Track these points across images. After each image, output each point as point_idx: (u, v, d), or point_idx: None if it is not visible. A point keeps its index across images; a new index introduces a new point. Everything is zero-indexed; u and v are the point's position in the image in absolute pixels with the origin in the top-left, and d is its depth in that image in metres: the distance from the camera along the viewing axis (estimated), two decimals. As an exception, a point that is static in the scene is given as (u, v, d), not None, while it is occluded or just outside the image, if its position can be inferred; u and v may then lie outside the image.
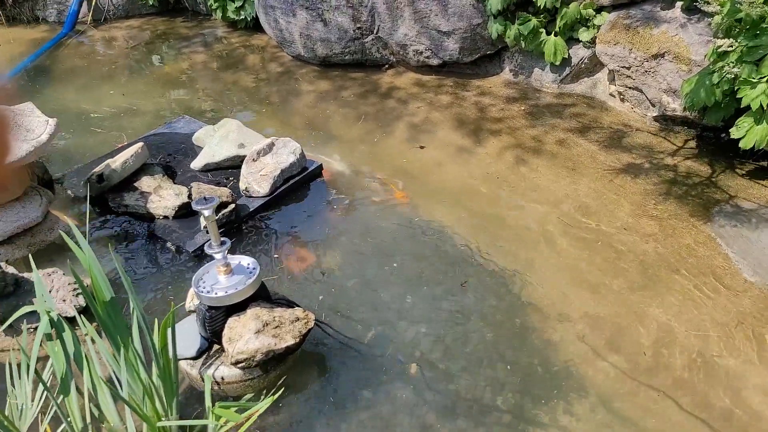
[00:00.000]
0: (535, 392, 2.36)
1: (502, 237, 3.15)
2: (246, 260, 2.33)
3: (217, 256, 2.18)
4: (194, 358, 2.27)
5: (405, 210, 3.39)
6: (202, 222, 3.07)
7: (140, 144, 3.47)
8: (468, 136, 4.08)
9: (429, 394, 2.40)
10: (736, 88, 3.16)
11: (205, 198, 2.07)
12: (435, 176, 3.70)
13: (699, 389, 2.32)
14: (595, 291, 2.78)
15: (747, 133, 3.18)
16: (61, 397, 1.89)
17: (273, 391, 2.14)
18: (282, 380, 2.31)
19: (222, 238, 2.20)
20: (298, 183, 3.52)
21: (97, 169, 3.27)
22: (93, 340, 2.17)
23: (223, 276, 2.22)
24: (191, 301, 2.40)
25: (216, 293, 2.18)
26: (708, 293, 2.71)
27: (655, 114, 3.98)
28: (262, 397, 2.22)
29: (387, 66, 5.18)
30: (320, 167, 3.65)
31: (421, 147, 4.01)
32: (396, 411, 2.33)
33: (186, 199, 3.21)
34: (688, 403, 2.28)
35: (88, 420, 2.01)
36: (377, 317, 2.71)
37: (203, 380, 2.17)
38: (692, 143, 3.80)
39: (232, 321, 2.22)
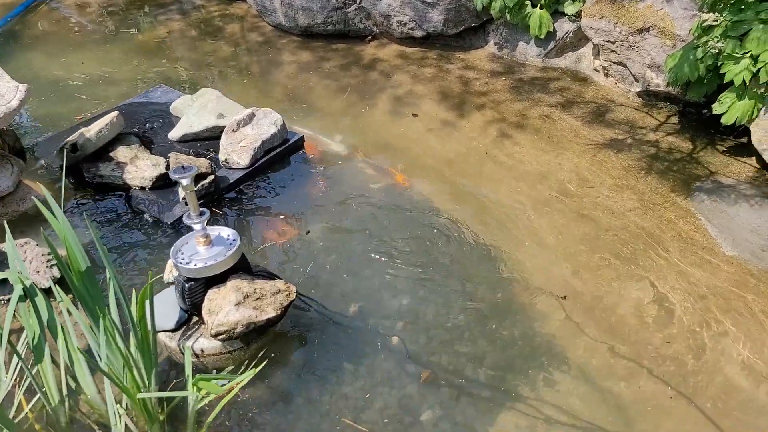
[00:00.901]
0: (516, 364, 2.38)
1: (485, 211, 3.14)
2: (226, 231, 2.28)
3: (196, 227, 2.13)
4: (173, 330, 2.23)
5: (387, 183, 3.36)
6: (181, 193, 3.00)
7: (115, 113, 3.36)
8: (452, 110, 4.03)
9: (411, 367, 2.40)
10: (719, 63, 3.16)
11: (183, 167, 2.01)
12: (419, 150, 3.66)
13: (677, 361, 2.36)
14: (576, 264, 2.80)
15: (729, 108, 3.20)
16: (36, 368, 1.85)
17: (254, 363, 2.12)
18: (263, 352, 2.29)
19: (201, 209, 2.14)
20: (279, 155, 3.45)
21: (71, 138, 3.16)
22: (69, 312, 2.12)
23: (203, 247, 2.18)
24: (170, 273, 2.35)
25: (195, 264, 2.14)
26: (687, 267, 2.74)
27: (638, 89, 3.98)
28: (243, 369, 2.21)
29: (370, 37, 5.08)
30: (302, 139, 3.59)
31: (414, 115, 3.97)
32: (377, 383, 2.33)
33: (164, 170, 3.13)
34: (666, 374, 2.31)
35: (65, 392, 1.97)
36: (359, 290, 2.69)
37: (182, 352, 2.14)
38: (674, 119, 3.81)
39: (212, 293, 2.18)
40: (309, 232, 2.93)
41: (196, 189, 2.98)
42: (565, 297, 2.62)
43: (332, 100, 4.24)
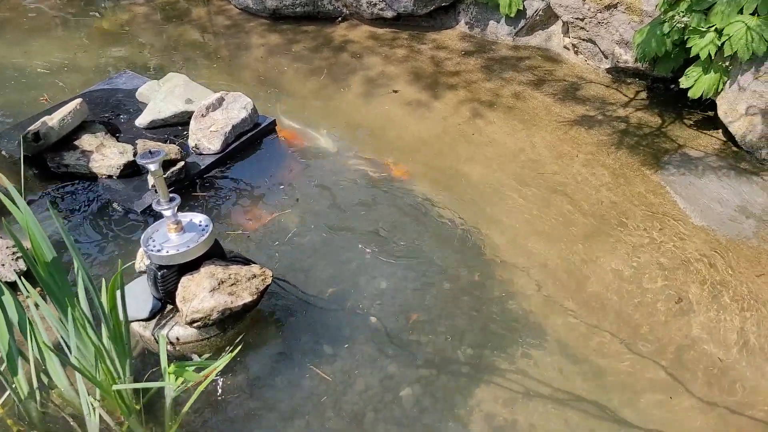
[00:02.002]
0: (495, 341, 2.40)
1: (459, 190, 3.15)
2: (198, 217, 2.24)
3: (167, 213, 2.09)
4: (147, 320, 2.19)
5: (362, 166, 3.34)
6: (151, 181, 2.94)
7: (78, 100, 3.26)
8: (424, 90, 4.01)
9: (390, 348, 2.40)
10: (685, 37, 3.20)
11: (150, 152, 1.96)
12: (392, 131, 3.64)
13: (650, 330, 2.41)
14: (551, 240, 2.82)
15: (695, 82, 3.25)
16: (3, 364, 1.80)
17: (231, 348, 2.10)
18: (240, 338, 2.27)
19: (171, 195, 2.10)
20: (251, 139, 3.39)
21: (33, 127, 3.06)
22: (37, 305, 2.07)
23: (174, 234, 2.13)
24: (141, 262, 2.30)
25: (167, 252, 2.10)
26: (659, 239, 2.79)
27: (607, 66, 4.01)
28: (222, 355, 2.18)
29: (340, 18, 5.01)
30: (273, 123, 3.53)
31: (395, 91, 3.96)
32: (358, 365, 2.33)
33: (131, 157, 3.05)
34: (641, 344, 2.36)
35: (36, 385, 1.92)
36: (337, 273, 2.68)
37: (157, 341, 2.11)
38: (643, 94, 3.86)
39: (185, 280, 2.15)
40: (298, 200, 2.91)
41: (165, 175, 2.92)
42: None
43: (304, 82, 4.18)
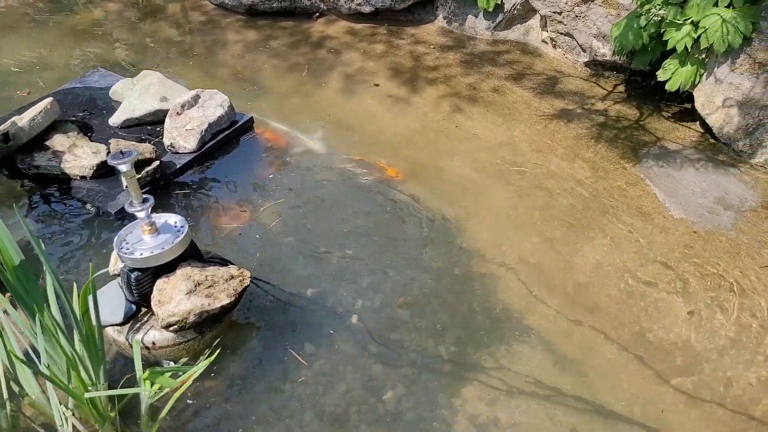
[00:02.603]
0: (477, 337, 2.39)
1: (439, 185, 3.13)
2: (173, 218, 2.19)
3: (140, 215, 2.03)
4: (121, 324, 2.14)
5: (341, 163, 3.30)
6: (124, 181, 2.86)
7: (49, 99, 3.17)
8: (404, 86, 3.98)
9: (372, 346, 2.38)
10: (662, 30, 3.21)
11: (121, 152, 1.90)
12: (371, 127, 3.60)
13: (632, 325, 2.41)
14: (532, 234, 2.82)
15: (673, 75, 3.26)
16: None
17: (209, 353, 2.05)
18: (218, 341, 2.22)
19: (144, 195, 2.04)
20: (227, 137, 3.34)
21: (2, 128, 2.97)
22: (6, 312, 2.00)
23: (148, 236, 2.08)
24: (115, 265, 2.24)
25: (141, 254, 2.04)
26: (639, 232, 2.80)
27: (586, 59, 4.02)
28: (199, 360, 2.14)
29: (317, 14, 4.95)
30: (251, 120, 3.48)
31: (376, 85, 3.93)
32: (339, 364, 2.30)
33: (105, 158, 2.98)
34: (623, 337, 2.36)
35: (6, 395, 1.86)
36: (317, 272, 2.65)
37: (132, 346, 2.05)
38: (621, 88, 3.87)
39: (161, 283, 2.09)
40: (278, 198, 2.89)
41: (140, 176, 2.86)
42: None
43: (282, 79, 4.12)
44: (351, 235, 2.82)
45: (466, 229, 2.87)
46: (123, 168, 1.91)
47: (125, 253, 2.04)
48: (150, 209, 2.04)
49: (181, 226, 2.15)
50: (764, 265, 2.61)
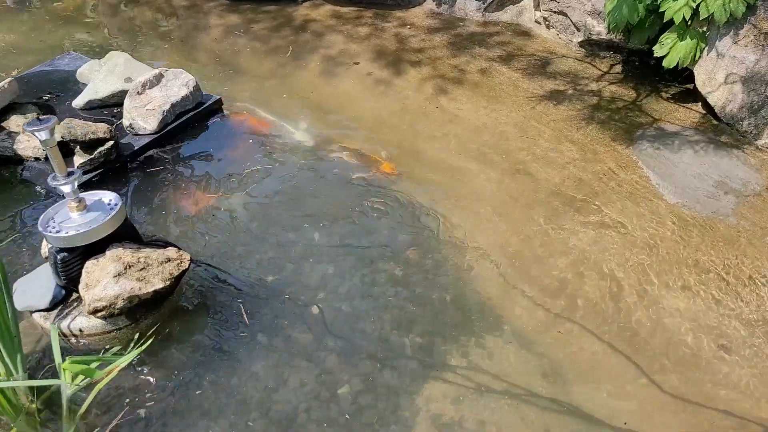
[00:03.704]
0: (447, 330, 2.18)
1: (418, 169, 2.91)
2: (108, 196, 2.00)
3: (65, 189, 1.85)
4: (48, 310, 1.96)
5: (316, 147, 3.10)
6: (77, 161, 2.69)
7: (8, 79, 3.02)
8: (386, 68, 3.78)
9: (330, 339, 2.17)
10: (658, 2, 2.97)
11: (39, 118, 1.72)
12: (350, 110, 3.40)
13: (617, 319, 2.18)
14: (513, 221, 2.59)
15: (670, 50, 3.02)
16: None
17: (141, 342, 1.86)
18: (156, 329, 2.03)
19: (69, 168, 1.86)
20: (193, 119, 3.15)
21: (-47, 108, 2.82)
22: None
23: (76, 213, 1.90)
24: (46, 247, 2.06)
25: (66, 232, 1.86)
26: (628, 218, 2.56)
27: (580, 39, 3.78)
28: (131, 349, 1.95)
29: (303, -2, 4.77)
30: (219, 102, 3.29)
31: (356, 63, 3.76)
32: (293, 357, 2.10)
33: (59, 139, 2.81)
34: (605, 333, 2.13)
35: None
36: (280, 259, 2.45)
37: (60, 334, 1.87)
38: (618, 68, 3.63)
39: (89, 265, 1.91)
40: (243, 182, 2.71)
41: (92, 156, 2.68)
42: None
43: (261, 62, 3.94)
44: (319, 222, 2.62)
45: (443, 214, 2.65)
46: (41, 136, 1.73)
47: (50, 232, 1.86)
48: (76, 183, 1.86)
49: (115, 204, 1.97)
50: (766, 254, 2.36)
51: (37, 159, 2.83)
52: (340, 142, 3.12)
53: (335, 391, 2.00)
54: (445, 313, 2.25)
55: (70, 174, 1.85)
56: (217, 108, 3.28)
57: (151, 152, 2.98)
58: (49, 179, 1.85)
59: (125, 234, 2.01)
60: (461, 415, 1.93)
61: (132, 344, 1.94)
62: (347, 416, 1.92)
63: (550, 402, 1.96)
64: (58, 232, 1.87)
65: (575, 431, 1.87)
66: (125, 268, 1.87)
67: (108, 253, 1.92)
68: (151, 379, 1.99)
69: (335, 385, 2.01)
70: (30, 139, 2.82)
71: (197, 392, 1.97)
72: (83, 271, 1.91)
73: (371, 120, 3.29)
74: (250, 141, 3.14)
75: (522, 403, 1.97)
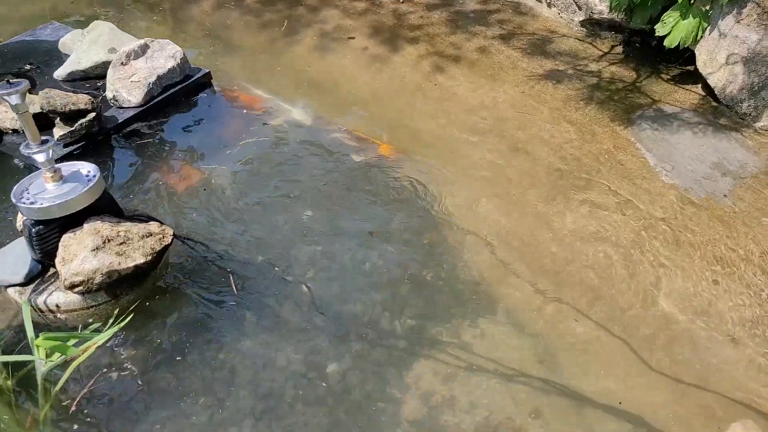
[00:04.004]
0: (439, 311, 2.12)
1: (414, 148, 2.84)
2: (86, 167, 1.92)
3: (39, 158, 1.76)
4: (23, 285, 1.88)
5: (310, 124, 3.01)
6: (56, 133, 2.60)
7: (-16, 48, 2.91)
8: (383, 44, 3.68)
9: (319, 319, 2.11)
10: (662, -22, 2.89)
11: (9, 82, 1.63)
12: (345, 87, 3.31)
13: (611, 300, 2.13)
14: (508, 201, 2.53)
15: (672, 29, 2.94)
16: None
17: (120, 318, 1.79)
18: (134, 306, 1.96)
19: (44, 137, 1.77)
20: (181, 92, 3.05)
21: (-71, 75, 2.71)
22: None
23: (52, 184, 1.81)
24: (21, 219, 1.98)
25: (41, 204, 1.78)
26: (624, 198, 2.50)
27: (581, 18, 3.69)
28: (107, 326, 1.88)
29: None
30: (208, 75, 3.19)
31: (351, 38, 3.67)
32: (281, 339, 2.04)
33: (38, 110, 2.70)
34: (599, 314, 2.08)
35: None
36: (270, 238, 2.37)
37: (36, 309, 1.80)
38: (619, 48, 3.55)
39: (66, 238, 1.83)
40: (235, 158, 2.66)
41: (73, 128, 2.59)
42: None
43: (254, 36, 3.83)
44: (311, 200, 2.54)
45: (438, 194, 2.58)
46: (12, 100, 1.64)
47: (24, 204, 1.78)
48: (51, 152, 1.77)
49: (93, 175, 1.88)
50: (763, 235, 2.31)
51: (15, 131, 2.73)
52: (334, 119, 3.03)
53: (323, 370, 1.95)
54: (438, 294, 2.19)
55: (44, 142, 1.76)
56: (206, 82, 3.18)
57: (136, 126, 2.88)
58: (21, 147, 1.76)
59: (104, 207, 1.93)
60: (452, 395, 1.89)
61: (112, 321, 1.87)
62: (334, 396, 1.87)
63: (541, 382, 1.91)
64: (32, 203, 1.78)
65: (566, 411, 1.82)
66: (104, 242, 1.79)
67: (86, 226, 1.84)
68: (134, 357, 1.93)
69: (324, 364, 1.95)
70: (7, 110, 2.72)
71: (182, 369, 1.90)
72: (60, 244, 1.83)
73: (367, 97, 3.20)
74: (241, 116, 3.05)
75: (514, 384, 1.92)
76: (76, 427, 1.74)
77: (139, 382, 1.86)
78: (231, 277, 2.13)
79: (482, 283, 2.23)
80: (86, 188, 1.82)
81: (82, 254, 1.77)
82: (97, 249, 1.77)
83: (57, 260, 1.82)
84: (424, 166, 2.72)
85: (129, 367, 1.91)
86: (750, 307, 2.07)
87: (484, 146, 2.82)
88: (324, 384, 1.90)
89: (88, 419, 1.77)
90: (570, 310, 2.10)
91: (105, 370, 1.88)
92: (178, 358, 1.93)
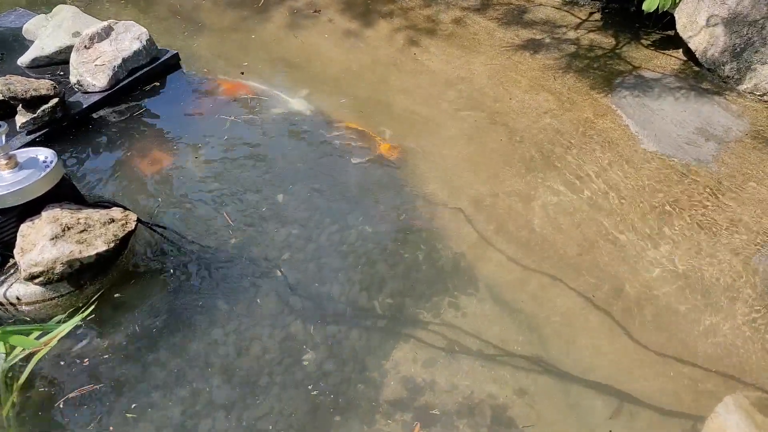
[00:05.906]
0: (419, 289, 2.07)
1: (388, 123, 2.76)
2: (43, 153, 1.84)
3: (-11, 145, 1.68)
4: (-18, 278, 1.81)
5: (279, 103, 2.93)
6: (19, 121, 2.50)
7: (-56, 36, 2.79)
8: (355, 20, 3.58)
9: (296, 300, 2.06)
10: (639, -61, 2.81)
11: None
12: (317, 64, 3.22)
13: (594, 272, 2.08)
14: (487, 175, 2.47)
15: (651, -8, 2.87)
16: None
17: (83, 308, 1.73)
18: (99, 295, 1.89)
19: (-4, 122, 1.69)
20: (148, 75, 2.95)
21: None
22: None
23: (6, 171, 1.73)
24: (-21, 210, 1.90)
25: (-5, 193, 1.70)
26: (605, 167, 2.45)
27: (559, -14, 3.61)
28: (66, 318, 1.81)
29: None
30: (177, 57, 3.09)
31: (316, 12, 3.59)
32: (256, 323, 1.98)
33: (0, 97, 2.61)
34: (582, 286, 2.04)
35: None
36: (243, 219, 2.31)
37: (-3, 303, 1.73)
38: (597, 16, 3.48)
39: (24, 227, 1.76)
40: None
41: (36, 115, 2.49)
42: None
43: (221, 15, 3.72)
44: (284, 181, 2.47)
45: (416, 170, 2.52)
46: (-46, 84, 1.55)
47: (-23, 193, 1.70)
48: (3, 138, 1.69)
49: (51, 161, 1.80)
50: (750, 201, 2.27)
51: (-23, 120, 2.62)
52: (307, 98, 2.94)
53: (300, 355, 1.89)
54: (417, 271, 2.14)
55: (-5, 128, 1.68)
56: (174, 63, 3.08)
57: (102, 111, 2.78)
58: (-29, 134, 1.68)
59: (64, 194, 1.85)
60: (432, 378, 1.84)
61: (74, 312, 1.81)
62: (312, 381, 1.82)
63: (525, 361, 1.87)
64: (-14, 192, 1.71)
65: (551, 390, 1.79)
66: (63, 230, 1.72)
67: (44, 214, 1.76)
68: (101, 347, 1.87)
69: (300, 348, 1.90)
70: (-32, 98, 2.61)
71: (152, 360, 1.85)
72: (18, 234, 1.76)
73: (340, 73, 3.12)
74: (211, 98, 2.95)
75: (496, 363, 1.88)
76: (40, 422, 1.69)
77: (107, 374, 1.80)
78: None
79: (462, 259, 2.19)
80: (43, 174, 1.74)
81: (41, 243, 1.69)
82: (56, 237, 1.70)
83: (15, 251, 1.75)
84: (399, 140, 2.65)
85: (96, 358, 1.85)
86: (731, 273, 2.04)
87: (462, 119, 2.75)
88: (301, 370, 1.85)
89: (54, 413, 1.71)
90: (554, 284, 2.06)
91: (71, 362, 1.82)
92: (148, 348, 1.87)
